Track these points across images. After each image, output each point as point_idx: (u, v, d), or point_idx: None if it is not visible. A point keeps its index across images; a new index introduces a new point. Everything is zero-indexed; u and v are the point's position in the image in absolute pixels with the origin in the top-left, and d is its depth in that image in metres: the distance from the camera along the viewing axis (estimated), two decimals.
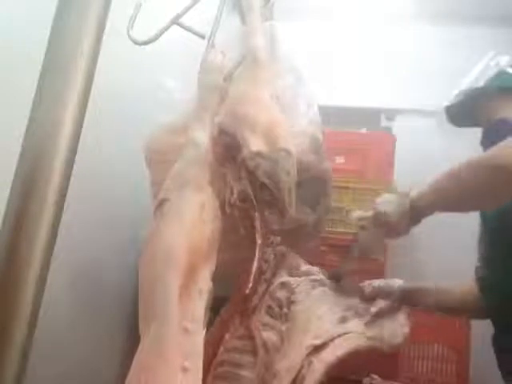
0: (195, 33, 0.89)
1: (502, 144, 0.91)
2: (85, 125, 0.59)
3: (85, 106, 0.58)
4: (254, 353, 0.98)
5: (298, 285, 1.03)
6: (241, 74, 0.95)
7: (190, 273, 0.80)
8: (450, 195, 0.99)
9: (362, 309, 1.04)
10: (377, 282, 1.13)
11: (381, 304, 1.07)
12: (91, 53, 0.58)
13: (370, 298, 1.08)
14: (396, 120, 2.09)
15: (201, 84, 0.89)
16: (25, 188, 0.55)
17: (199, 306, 0.81)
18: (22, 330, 0.53)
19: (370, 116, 2.08)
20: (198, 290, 0.81)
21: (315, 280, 1.05)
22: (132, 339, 0.93)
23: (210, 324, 0.85)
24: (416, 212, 1.00)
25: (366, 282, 1.13)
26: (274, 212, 0.96)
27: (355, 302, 1.05)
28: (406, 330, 1.03)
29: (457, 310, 1.23)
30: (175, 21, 0.84)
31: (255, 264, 0.94)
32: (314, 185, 1.12)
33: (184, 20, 0.86)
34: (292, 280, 1.04)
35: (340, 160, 1.78)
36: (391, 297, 1.11)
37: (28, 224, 0.54)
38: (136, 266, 0.88)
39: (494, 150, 0.92)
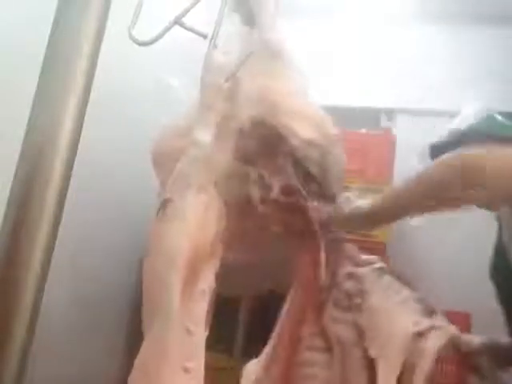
0: (197, 33, 0.89)
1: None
2: (85, 125, 0.59)
3: (85, 106, 0.58)
4: (329, 350, 0.96)
5: (365, 275, 1.01)
6: (260, 68, 0.94)
7: (193, 274, 0.80)
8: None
9: (427, 303, 1.03)
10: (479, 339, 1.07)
11: None
12: (91, 53, 0.58)
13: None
14: (396, 120, 2.09)
15: (204, 84, 0.89)
16: (25, 188, 0.55)
17: (201, 307, 0.80)
18: (22, 330, 0.53)
19: (370, 116, 2.07)
20: (201, 290, 0.81)
21: (379, 269, 1.03)
22: (132, 339, 0.93)
23: (212, 325, 0.85)
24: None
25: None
26: (323, 201, 0.95)
27: (419, 295, 1.04)
28: None
29: None
30: (177, 21, 0.84)
31: (323, 255, 0.92)
32: None
33: (186, 20, 0.86)
34: (358, 270, 1.01)
35: None
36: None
37: (28, 224, 0.54)
38: (136, 266, 0.88)
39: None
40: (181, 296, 0.77)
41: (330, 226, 0.98)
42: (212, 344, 0.83)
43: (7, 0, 0.88)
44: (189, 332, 0.77)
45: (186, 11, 0.85)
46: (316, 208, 0.93)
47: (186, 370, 0.75)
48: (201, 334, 0.80)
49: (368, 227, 1.08)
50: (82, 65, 0.57)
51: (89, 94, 0.58)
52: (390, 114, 2.09)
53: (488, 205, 1.00)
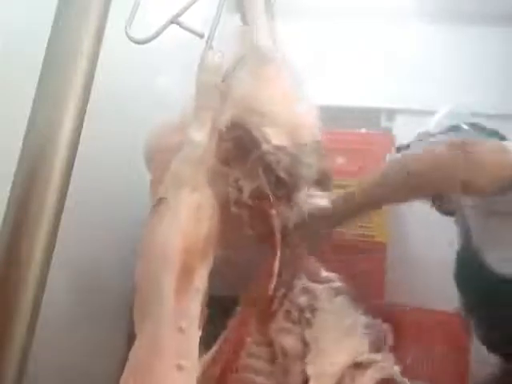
0: (194, 32, 0.89)
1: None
2: (84, 125, 0.59)
3: (85, 105, 0.58)
4: (272, 360, 0.95)
5: (322, 292, 1.00)
6: (248, 72, 0.94)
7: (186, 272, 0.80)
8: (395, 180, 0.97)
9: (378, 335, 1.01)
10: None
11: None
12: (91, 53, 0.58)
13: None
14: (396, 120, 2.09)
15: (199, 84, 0.89)
16: (25, 188, 0.55)
17: (195, 305, 0.81)
18: (22, 330, 0.53)
19: (369, 116, 2.08)
20: (195, 288, 0.81)
21: (336, 288, 1.02)
22: (132, 339, 0.93)
23: (208, 323, 0.85)
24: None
25: None
26: (290, 207, 0.95)
27: (371, 322, 1.03)
28: None
29: None
30: (174, 20, 0.84)
31: (276, 265, 0.92)
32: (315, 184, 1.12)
33: (183, 19, 0.86)
34: (314, 286, 1.01)
35: (340, 160, 1.78)
36: None
37: (28, 224, 0.54)
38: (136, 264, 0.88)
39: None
40: (174, 295, 0.77)
41: (292, 237, 0.98)
42: (207, 345, 0.84)
43: (7, 0, 0.88)
44: (182, 331, 0.77)
45: (183, 10, 0.85)
46: (280, 216, 0.93)
47: (180, 368, 0.75)
48: (195, 332, 0.80)
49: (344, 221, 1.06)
50: (81, 65, 0.57)
51: (89, 94, 0.58)
52: (390, 114, 2.09)
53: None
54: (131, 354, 0.76)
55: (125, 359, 0.76)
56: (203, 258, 0.84)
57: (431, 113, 1.97)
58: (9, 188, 0.55)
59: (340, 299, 1.01)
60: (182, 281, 0.78)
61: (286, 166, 0.92)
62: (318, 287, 1.00)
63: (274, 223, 0.91)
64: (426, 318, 1.65)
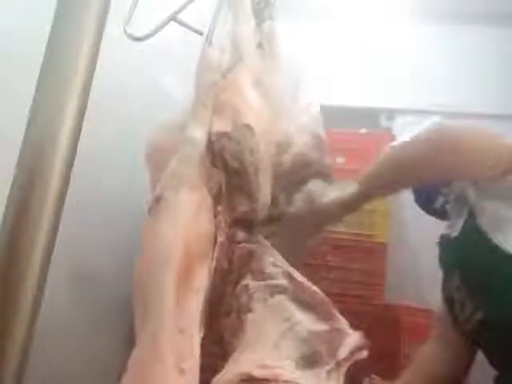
0: (193, 30, 0.89)
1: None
2: (84, 125, 0.59)
3: (84, 105, 0.58)
4: (224, 357, 0.88)
5: (256, 290, 0.91)
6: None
7: (186, 272, 0.79)
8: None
9: (328, 345, 0.84)
10: None
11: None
12: (91, 52, 0.58)
13: None
14: (396, 120, 2.09)
15: (198, 82, 0.89)
16: (24, 188, 0.55)
17: (195, 306, 0.80)
18: (22, 330, 0.53)
19: (369, 116, 2.08)
20: (195, 289, 0.80)
21: (275, 286, 0.91)
22: (132, 339, 0.93)
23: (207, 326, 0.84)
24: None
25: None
26: (243, 196, 0.92)
27: (320, 329, 0.86)
28: None
29: None
30: (173, 17, 0.84)
31: (214, 263, 0.87)
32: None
33: (182, 16, 0.86)
34: (252, 284, 0.92)
35: (340, 160, 1.78)
36: None
37: (28, 224, 0.54)
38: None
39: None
40: (174, 295, 0.76)
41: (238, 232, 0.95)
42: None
43: (7, 0, 0.88)
44: (183, 332, 0.77)
45: (182, 8, 0.85)
46: (231, 206, 0.91)
47: (182, 371, 0.74)
48: (196, 334, 0.79)
49: (347, 214, 1.16)
50: (81, 64, 0.57)
51: (88, 94, 0.58)
52: (390, 113, 2.09)
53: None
54: (132, 355, 0.76)
55: (125, 360, 0.76)
56: (203, 258, 0.83)
57: (431, 113, 1.98)
58: (9, 188, 0.55)
59: (276, 300, 0.90)
60: (182, 281, 0.78)
61: (231, 152, 0.89)
62: (255, 285, 0.92)
63: (218, 220, 0.88)
64: (426, 317, 1.64)
